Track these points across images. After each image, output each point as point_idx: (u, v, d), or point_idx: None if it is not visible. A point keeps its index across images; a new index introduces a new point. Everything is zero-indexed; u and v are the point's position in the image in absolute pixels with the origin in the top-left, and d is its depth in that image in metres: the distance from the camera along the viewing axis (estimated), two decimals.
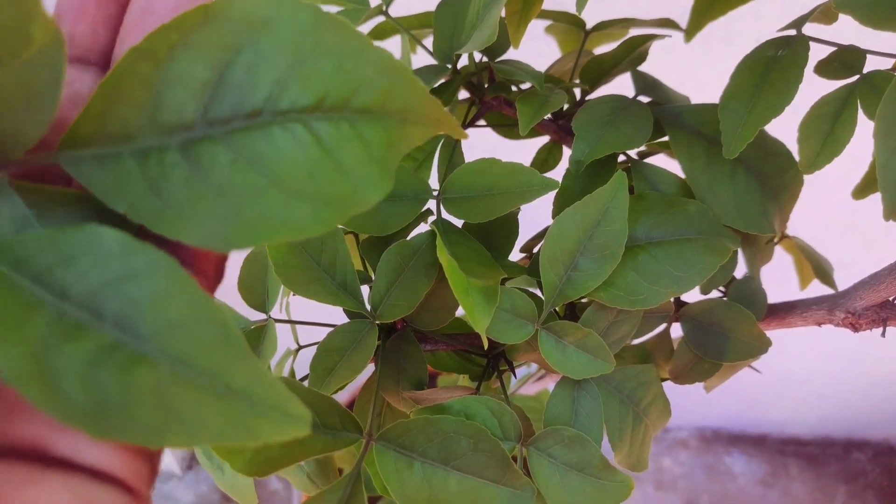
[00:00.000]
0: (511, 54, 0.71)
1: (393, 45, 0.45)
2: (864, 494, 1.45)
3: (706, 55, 0.73)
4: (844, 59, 0.33)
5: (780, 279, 0.64)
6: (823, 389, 1.38)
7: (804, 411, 1.45)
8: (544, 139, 0.45)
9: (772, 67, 0.33)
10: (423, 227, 0.37)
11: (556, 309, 0.41)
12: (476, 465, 0.31)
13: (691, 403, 1.38)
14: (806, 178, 0.37)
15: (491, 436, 0.31)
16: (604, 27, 0.43)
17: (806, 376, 1.35)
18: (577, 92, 0.42)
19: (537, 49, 0.74)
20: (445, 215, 0.36)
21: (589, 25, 0.45)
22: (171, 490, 1.37)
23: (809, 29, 0.38)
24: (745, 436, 1.52)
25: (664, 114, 0.37)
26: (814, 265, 0.44)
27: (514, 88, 0.40)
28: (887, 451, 1.50)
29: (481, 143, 0.82)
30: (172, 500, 1.37)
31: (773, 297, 0.60)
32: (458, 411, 0.33)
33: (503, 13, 0.37)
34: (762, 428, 1.52)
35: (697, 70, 0.76)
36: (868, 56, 0.34)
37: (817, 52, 0.36)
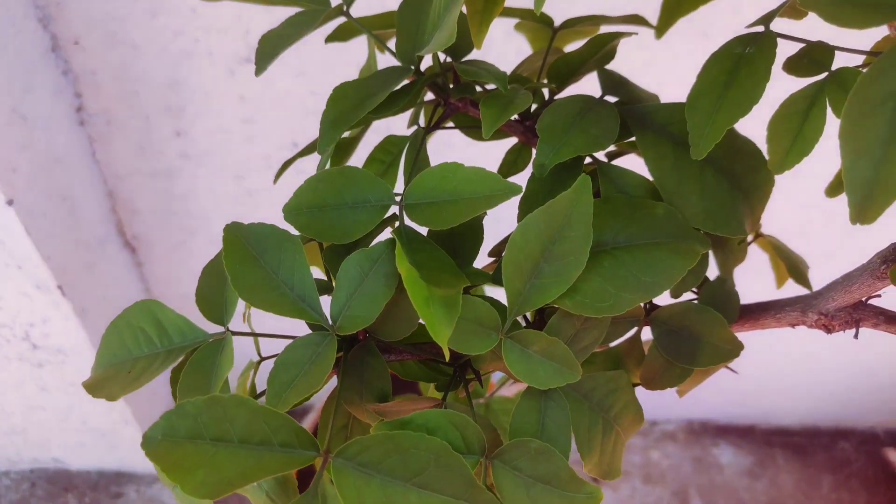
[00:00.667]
0: (485, 52, 0.69)
1: (359, 44, 0.44)
2: (849, 483, 1.45)
3: (685, 49, 0.72)
4: (813, 56, 0.32)
5: (760, 274, 0.63)
6: (810, 380, 1.38)
7: (791, 402, 1.46)
8: (514, 140, 0.44)
9: (740, 65, 0.32)
10: (388, 234, 0.36)
11: (528, 315, 0.40)
12: (438, 482, 0.30)
13: (677, 396, 1.38)
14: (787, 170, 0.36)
15: (452, 451, 0.30)
16: (572, 25, 0.42)
17: (792, 367, 1.35)
18: (546, 92, 0.41)
19: (513, 45, 0.73)
20: (408, 222, 0.35)
21: (559, 22, 0.44)
22: (155, 493, 1.36)
23: (779, 25, 0.37)
24: (733, 427, 1.53)
25: (631, 114, 0.36)
26: (788, 265, 0.43)
27: (478, 89, 0.39)
28: (873, 440, 1.50)
29: (451, 144, 0.81)
30: (158, 502, 1.36)
31: (752, 293, 0.60)
32: (420, 425, 0.32)
33: (465, 11, 0.36)
34: (749, 419, 1.52)
35: (676, 64, 0.75)
36: (838, 52, 0.33)
37: (787, 49, 0.35)
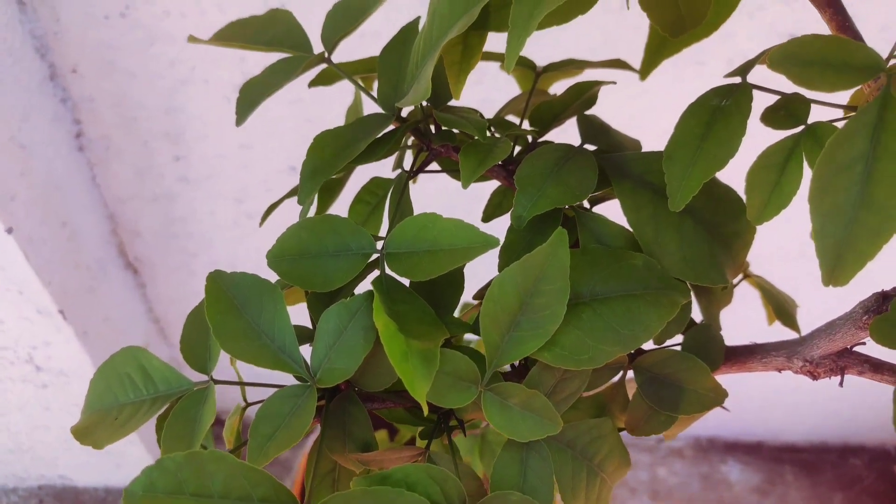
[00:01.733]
0: (479, 79, 0.70)
1: (342, 87, 0.44)
2: (860, 500, 1.44)
3: (677, 76, 0.72)
4: (789, 109, 0.32)
5: (752, 306, 0.63)
6: (817, 396, 1.37)
7: (799, 418, 1.44)
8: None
9: (716, 117, 0.32)
10: (370, 281, 0.36)
11: (515, 364, 0.40)
12: None
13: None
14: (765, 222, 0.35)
15: None
16: (554, 69, 0.42)
17: (800, 383, 1.34)
18: (530, 136, 0.41)
19: (508, 77, 0.73)
20: (389, 271, 0.35)
21: (546, 60, 0.44)
22: None
23: (759, 73, 0.37)
24: (741, 444, 1.52)
25: (610, 162, 0.36)
26: (775, 307, 0.43)
27: (458, 132, 0.39)
28: (883, 457, 1.49)
29: (444, 181, 0.81)
30: None
31: (746, 323, 0.59)
32: (399, 480, 0.32)
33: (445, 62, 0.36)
34: (757, 435, 1.51)
35: (670, 91, 0.75)
36: (815, 105, 0.33)
37: (767, 98, 0.35)
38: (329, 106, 0.81)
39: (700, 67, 0.75)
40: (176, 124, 0.85)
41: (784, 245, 0.92)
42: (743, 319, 0.60)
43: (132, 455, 1.22)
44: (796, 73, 0.26)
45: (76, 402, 1.06)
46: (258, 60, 0.73)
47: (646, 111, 0.79)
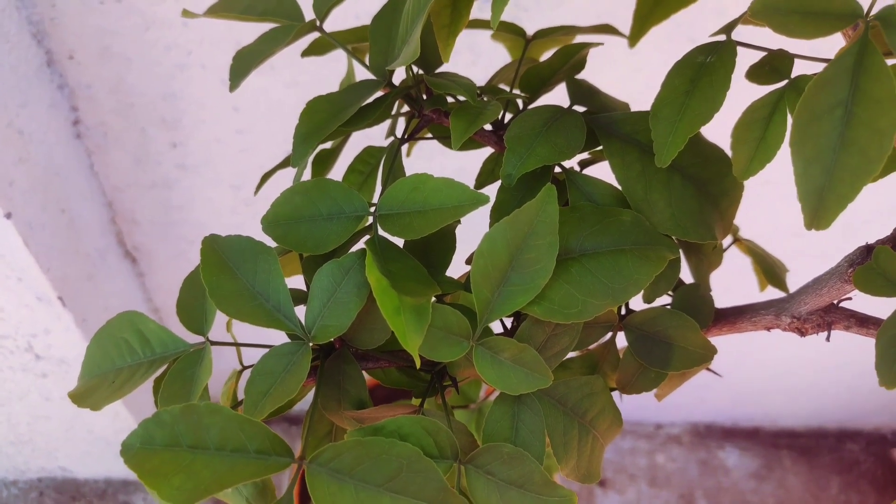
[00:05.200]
0: (471, 58, 0.70)
1: (336, 57, 0.45)
2: (858, 484, 1.44)
3: (672, 53, 0.73)
4: (773, 64, 0.33)
5: (744, 275, 0.64)
6: (815, 380, 1.37)
7: (796, 403, 1.45)
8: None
9: (700, 74, 0.33)
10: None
11: (504, 322, 0.41)
12: (410, 486, 0.31)
13: (683, 399, 1.38)
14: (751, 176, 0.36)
15: (424, 456, 0.31)
16: (543, 35, 0.42)
17: (797, 368, 1.34)
18: (520, 102, 0.42)
19: (502, 50, 0.74)
20: (382, 232, 0.36)
21: (532, 33, 0.44)
22: None
23: (748, 31, 0.37)
24: (738, 429, 1.52)
25: (598, 123, 0.36)
26: (765, 269, 0.43)
27: (451, 100, 0.40)
28: (880, 441, 1.50)
29: (437, 151, 0.82)
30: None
31: (739, 292, 0.60)
32: (392, 432, 0.32)
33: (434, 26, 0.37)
34: (755, 421, 1.52)
35: (664, 67, 0.76)
36: (799, 60, 0.33)
37: (753, 57, 0.35)
38: (326, 88, 0.82)
39: (692, 44, 0.75)
40: (173, 110, 0.85)
41: (777, 223, 0.92)
42: (733, 288, 0.61)
43: None
44: (777, 21, 0.27)
45: None
46: None
47: (640, 90, 0.79)
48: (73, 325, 0.92)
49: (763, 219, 0.93)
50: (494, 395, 0.66)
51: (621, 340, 0.41)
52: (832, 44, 0.35)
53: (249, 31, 0.76)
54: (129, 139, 0.89)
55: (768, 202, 0.87)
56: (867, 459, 1.50)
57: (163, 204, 0.98)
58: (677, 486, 1.48)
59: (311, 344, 0.34)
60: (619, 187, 0.35)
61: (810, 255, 0.90)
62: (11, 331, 0.94)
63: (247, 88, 0.81)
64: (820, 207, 0.27)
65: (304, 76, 0.81)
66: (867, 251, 0.34)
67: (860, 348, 1.27)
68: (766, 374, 1.35)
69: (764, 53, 0.34)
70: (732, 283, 0.67)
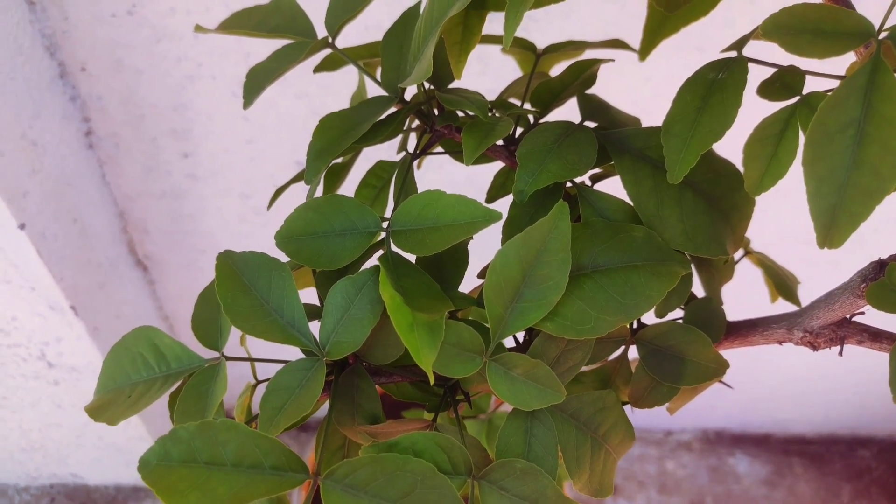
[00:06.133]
0: (479, 72, 0.70)
1: (345, 68, 0.45)
2: (869, 491, 1.43)
3: (680, 64, 0.73)
4: (785, 81, 0.33)
5: (755, 286, 0.64)
6: (826, 387, 1.37)
7: (807, 410, 1.44)
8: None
9: (712, 91, 0.33)
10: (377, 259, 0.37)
11: (518, 337, 0.41)
12: (424, 502, 0.31)
13: (693, 405, 1.37)
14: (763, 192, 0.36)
15: (438, 472, 0.31)
16: (554, 50, 0.42)
17: (808, 374, 1.34)
18: (531, 116, 0.42)
19: (511, 63, 0.74)
20: (395, 248, 0.36)
21: (547, 43, 0.45)
22: None
23: (758, 47, 0.37)
24: (749, 436, 1.52)
25: (610, 139, 0.36)
26: (776, 282, 0.43)
27: (463, 114, 0.40)
28: (892, 448, 1.49)
29: (446, 166, 0.82)
30: None
31: (750, 304, 0.60)
32: (406, 448, 0.32)
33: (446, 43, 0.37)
34: (765, 428, 1.51)
35: (672, 78, 0.76)
36: (810, 77, 0.33)
37: (764, 73, 0.35)
38: (334, 99, 0.82)
39: (702, 54, 0.75)
40: (183, 121, 0.86)
41: (788, 231, 0.92)
42: (744, 299, 0.61)
43: (142, 452, 1.23)
44: (788, 41, 0.27)
45: (87, 398, 1.07)
46: (263, 55, 0.74)
47: (649, 98, 0.80)
48: (85, 334, 0.93)
49: (772, 227, 0.93)
50: (505, 406, 0.66)
51: (633, 353, 0.41)
52: (843, 60, 0.35)
53: (259, 44, 0.77)
54: (140, 149, 0.90)
55: (777, 210, 0.87)
56: (879, 466, 1.49)
57: (173, 213, 0.99)
58: (687, 493, 1.47)
59: (325, 360, 0.35)
60: (631, 203, 0.35)
61: (821, 263, 0.90)
62: (24, 339, 0.95)
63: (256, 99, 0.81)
64: (833, 226, 0.27)
65: (312, 87, 0.82)
66: (880, 267, 0.34)
67: (871, 355, 1.26)
68: (777, 381, 1.35)
69: (775, 69, 0.34)
70: (744, 294, 0.66)
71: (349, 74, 0.77)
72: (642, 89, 0.80)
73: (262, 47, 0.76)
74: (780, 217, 0.91)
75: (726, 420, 1.51)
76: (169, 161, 0.91)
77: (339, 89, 0.80)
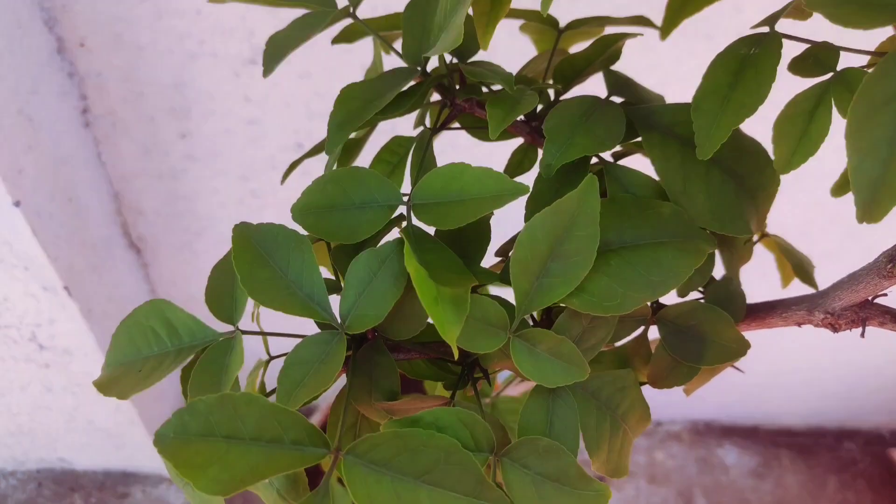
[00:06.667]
0: (488, 54, 0.70)
1: (363, 46, 0.44)
2: (855, 484, 1.45)
3: (687, 50, 0.73)
4: (818, 57, 0.33)
5: (766, 274, 0.64)
6: (814, 380, 1.38)
7: (796, 402, 1.45)
8: (520, 140, 0.44)
9: (745, 66, 0.33)
10: (395, 234, 0.36)
11: (534, 315, 0.41)
12: (448, 479, 0.31)
13: (683, 397, 1.38)
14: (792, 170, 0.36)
15: (462, 448, 0.30)
16: (577, 26, 0.42)
17: (797, 367, 1.35)
18: (552, 93, 0.41)
19: (517, 46, 0.74)
20: (416, 222, 0.35)
21: (563, 24, 0.44)
22: (161, 494, 1.37)
23: (783, 25, 0.37)
24: (737, 427, 1.53)
25: (637, 114, 0.36)
26: (794, 264, 0.43)
27: (485, 90, 0.39)
28: (878, 441, 1.50)
29: (456, 144, 0.81)
30: (164, 503, 1.36)
31: (759, 292, 0.60)
32: (429, 423, 0.32)
33: (472, 13, 0.37)
34: (754, 419, 1.52)
35: (680, 65, 0.76)
36: (843, 53, 0.33)
37: (792, 50, 0.35)
38: (339, 80, 0.81)
39: (709, 41, 0.75)
40: (183, 100, 0.85)
41: (805, 219, 0.92)
42: (756, 286, 0.61)
43: (132, 437, 1.22)
44: (833, 11, 0.27)
45: (79, 382, 1.06)
46: (267, 34, 0.73)
47: (656, 86, 0.79)
48: (79, 315, 0.92)
49: (773, 219, 0.93)
50: (508, 390, 0.66)
51: (652, 334, 0.40)
52: (876, 38, 0.35)
53: (263, 22, 0.75)
54: (138, 129, 0.88)
55: (796, 196, 0.87)
56: (865, 459, 1.50)
57: (169, 194, 0.98)
58: (676, 484, 1.48)
59: (345, 333, 0.34)
60: (658, 179, 0.35)
61: (818, 254, 0.90)
62: (15, 320, 0.93)
63: (258, 79, 0.80)
64: (873, 200, 0.26)
65: (316, 68, 0.81)
66: None
67: (859, 348, 1.27)
68: (766, 373, 1.36)
69: (807, 46, 0.34)
70: (752, 281, 0.66)
71: (353, 55, 0.76)
72: (649, 77, 0.80)
73: (267, 26, 0.75)
74: (778, 210, 0.91)
75: (716, 411, 1.52)
76: (167, 141, 0.90)
77: (342, 70, 0.79)
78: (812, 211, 0.97)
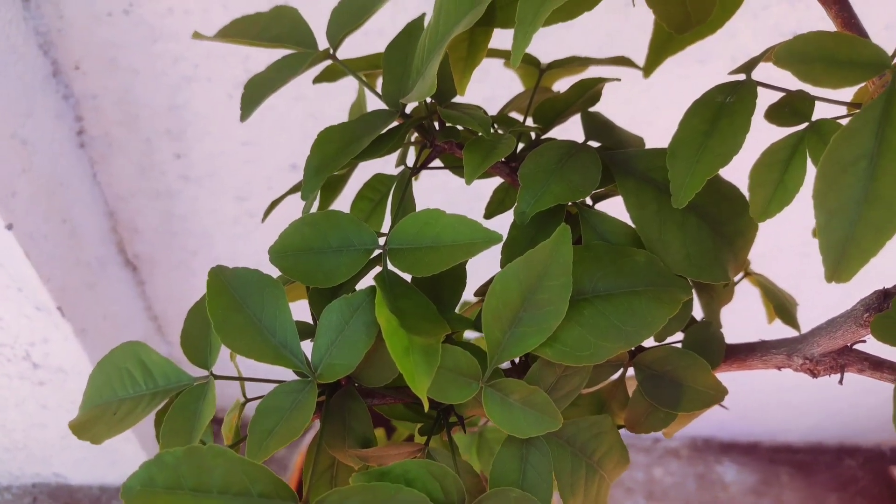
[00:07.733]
0: (482, 78, 0.69)
1: (346, 84, 0.44)
2: (855, 501, 1.44)
3: (680, 74, 0.72)
4: (794, 106, 0.32)
5: (752, 307, 0.63)
6: (814, 396, 1.37)
7: (795, 419, 1.45)
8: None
9: (720, 114, 0.32)
10: (372, 277, 0.36)
11: (515, 361, 0.40)
12: None
13: None
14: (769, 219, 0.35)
15: (429, 502, 0.30)
16: (558, 66, 0.42)
17: (797, 383, 1.34)
18: (533, 133, 0.41)
19: (510, 73, 0.73)
20: (391, 267, 0.35)
21: (550, 58, 0.44)
22: None
23: (763, 69, 0.37)
24: (737, 444, 1.52)
25: (613, 159, 0.36)
26: (776, 305, 0.43)
27: (465, 127, 0.39)
28: (878, 458, 1.49)
29: (451, 178, 0.81)
30: None
31: (744, 324, 0.59)
32: (399, 476, 0.32)
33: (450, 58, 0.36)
34: (753, 436, 1.51)
35: (672, 89, 0.75)
36: (819, 102, 0.33)
37: (770, 96, 0.35)
38: (332, 102, 0.81)
39: (702, 66, 0.75)
40: (178, 122, 0.85)
41: (785, 244, 0.92)
42: (743, 318, 0.60)
43: (127, 453, 1.22)
44: (802, 69, 0.26)
45: (73, 399, 1.06)
46: (262, 58, 0.73)
47: (649, 109, 0.79)
48: (72, 335, 0.92)
49: (769, 239, 0.93)
50: None
51: (630, 374, 0.40)
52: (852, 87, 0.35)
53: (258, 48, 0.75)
54: (134, 149, 0.88)
55: (774, 222, 0.87)
56: (865, 476, 1.49)
57: (165, 214, 0.98)
58: (675, 501, 1.47)
59: (316, 381, 0.34)
60: (633, 225, 0.35)
61: (817, 274, 0.90)
62: (10, 339, 0.93)
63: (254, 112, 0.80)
64: (842, 260, 0.26)
65: (310, 90, 0.81)
66: (884, 296, 0.33)
67: None
68: (766, 390, 1.35)
69: (783, 94, 0.33)
70: (741, 314, 0.66)
71: (348, 79, 0.76)
72: (641, 100, 0.80)
73: (261, 51, 0.75)
74: (777, 231, 0.90)
75: (715, 428, 1.51)
76: (162, 162, 0.90)
77: (337, 93, 0.79)
78: (809, 238, 0.96)
